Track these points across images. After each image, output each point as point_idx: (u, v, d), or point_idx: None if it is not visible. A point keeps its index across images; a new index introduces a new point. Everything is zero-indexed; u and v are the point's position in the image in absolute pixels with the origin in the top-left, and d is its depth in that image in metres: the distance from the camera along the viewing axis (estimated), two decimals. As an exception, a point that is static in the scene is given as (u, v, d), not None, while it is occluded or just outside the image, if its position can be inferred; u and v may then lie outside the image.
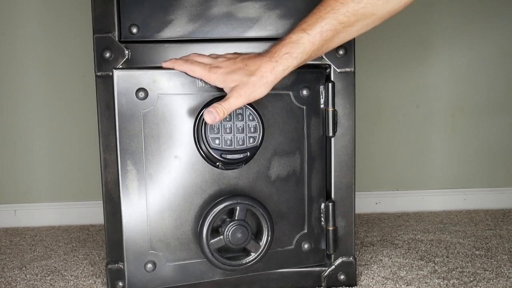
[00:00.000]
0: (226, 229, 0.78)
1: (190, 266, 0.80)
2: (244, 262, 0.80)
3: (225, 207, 0.78)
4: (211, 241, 0.78)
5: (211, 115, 0.71)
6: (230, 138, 0.77)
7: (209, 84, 0.76)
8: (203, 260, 0.80)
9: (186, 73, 0.76)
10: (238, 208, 0.79)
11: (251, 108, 0.78)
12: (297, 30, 0.72)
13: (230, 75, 0.73)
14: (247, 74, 0.72)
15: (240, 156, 0.78)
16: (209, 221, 0.77)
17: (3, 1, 1.36)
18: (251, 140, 0.78)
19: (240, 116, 0.77)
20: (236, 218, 0.78)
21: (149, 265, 0.78)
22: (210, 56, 0.79)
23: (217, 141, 0.77)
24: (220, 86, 0.75)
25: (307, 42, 0.71)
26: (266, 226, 0.80)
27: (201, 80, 0.76)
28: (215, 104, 0.72)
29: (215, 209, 0.78)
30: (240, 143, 0.78)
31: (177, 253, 0.80)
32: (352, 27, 0.72)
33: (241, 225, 0.78)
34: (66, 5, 1.38)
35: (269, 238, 0.81)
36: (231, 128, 0.77)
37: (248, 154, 0.78)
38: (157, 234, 0.78)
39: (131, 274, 0.77)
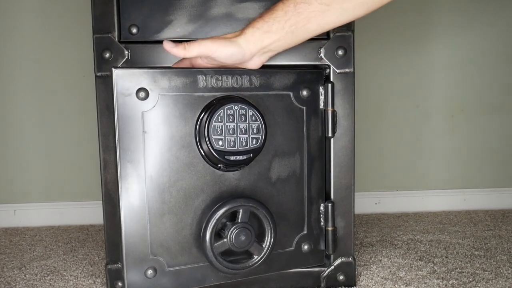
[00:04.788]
0: (230, 232, 0.77)
1: (192, 271, 0.79)
2: (247, 265, 0.79)
3: (228, 209, 0.77)
4: (215, 244, 0.77)
5: (169, 44, 0.74)
6: (233, 139, 0.76)
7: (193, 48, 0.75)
8: (205, 264, 0.79)
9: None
10: (241, 210, 0.78)
11: (253, 109, 0.78)
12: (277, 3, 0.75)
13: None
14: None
15: (243, 158, 0.77)
16: (213, 224, 0.76)
17: (2, 1, 1.36)
18: (254, 141, 0.78)
19: (243, 117, 0.77)
20: (239, 220, 0.78)
21: (150, 271, 0.76)
22: None
23: (220, 143, 0.76)
24: (202, 43, 0.75)
25: (280, 10, 0.73)
26: (269, 228, 0.80)
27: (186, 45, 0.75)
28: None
29: (218, 212, 0.76)
30: (244, 144, 0.77)
31: (178, 258, 0.78)
32: (330, 8, 0.72)
33: (245, 228, 0.77)
34: (66, 5, 1.37)
35: (272, 240, 0.80)
36: (234, 129, 0.77)
37: (251, 155, 0.78)
38: (157, 239, 0.77)
39: (131, 282, 0.76)
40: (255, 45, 0.74)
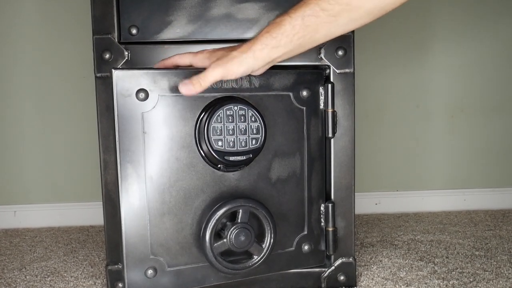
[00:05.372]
0: (230, 232, 0.77)
1: (192, 271, 0.79)
2: (247, 265, 0.79)
3: (228, 210, 0.77)
4: (215, 244, 0.77)
5: (186, 87, 0.72)
6: (233, 140, 0.76)
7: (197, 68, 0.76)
8: (205, 264, 0.79)
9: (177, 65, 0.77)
10: (241, 210, 0.78)
11: (253, 110, 0.78)
12: (281, 14, 0.74)
13: (214, 53, 0.75)
14: (228, 51, 0.74)
15: (243, 158, 0.77)
16: (212, 224, 0.76)
17: (2, 2, 1.36)
18: (254, 141, 0.78)
19: (242, 117, 0.77)
20: (239, 221, 0.78)
21: (150, 271, 0.77)
22: None
23: (219, 143, 0.76)
24: (204, 64, 0.75)
25: (288, 24, 0.72)
26: (268, 228, 0.80)
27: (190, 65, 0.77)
28: (192, 76, 0.73)
29: (218, 212, 0.77)
30: (243, 145, 0.77)
31: (178, 258, 0.78)
32: (337, 19, 0.72)
33: (245, 228, 0.77)
34: (66, 6, 1.37)
35: (271, 241, 0.80)
36: (233, 129, 0.77)
37: (251, 155, 0.78)
38: (157, 239, 0.77)
39: (131, 281, 0.76)
40: (263, 61, 0.73)
